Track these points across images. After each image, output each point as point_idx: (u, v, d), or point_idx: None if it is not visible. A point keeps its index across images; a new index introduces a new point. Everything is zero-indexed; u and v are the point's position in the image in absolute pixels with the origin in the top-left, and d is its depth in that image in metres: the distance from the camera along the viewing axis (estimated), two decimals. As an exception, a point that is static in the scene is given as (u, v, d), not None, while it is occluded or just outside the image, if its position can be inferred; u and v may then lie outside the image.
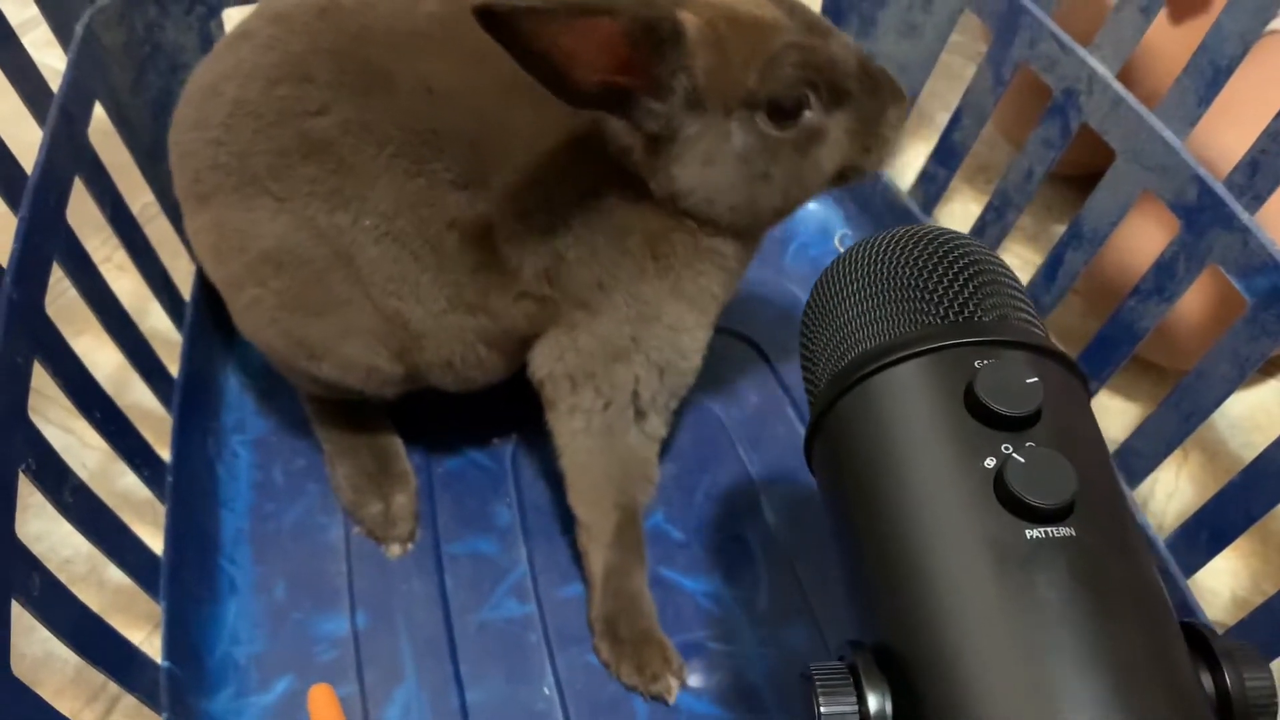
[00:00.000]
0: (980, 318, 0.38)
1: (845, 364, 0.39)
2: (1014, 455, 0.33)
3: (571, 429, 0.62)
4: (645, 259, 0.57)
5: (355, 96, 0.56)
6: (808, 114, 0.52)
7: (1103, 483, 0.34)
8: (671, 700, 0.62)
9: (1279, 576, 0.71)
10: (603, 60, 0.48)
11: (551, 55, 0.46)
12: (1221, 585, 0.71)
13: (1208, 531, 0.61)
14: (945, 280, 0.39)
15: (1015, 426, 0.34)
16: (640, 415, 0.62)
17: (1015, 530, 0.32)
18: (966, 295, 0.39)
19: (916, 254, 0.40)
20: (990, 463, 0.33)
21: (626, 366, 0.60)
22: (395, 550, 0.68)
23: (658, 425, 0.63)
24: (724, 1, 0.53)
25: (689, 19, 0.51)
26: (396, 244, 0.57)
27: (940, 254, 0.40)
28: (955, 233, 0.41)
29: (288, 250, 0.58)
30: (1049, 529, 0.32)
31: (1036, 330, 0.39)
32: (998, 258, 0.41)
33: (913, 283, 0.39)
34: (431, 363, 0.62)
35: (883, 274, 0.40)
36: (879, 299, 0.40)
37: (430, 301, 0.58)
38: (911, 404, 0.36)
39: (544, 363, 0.61)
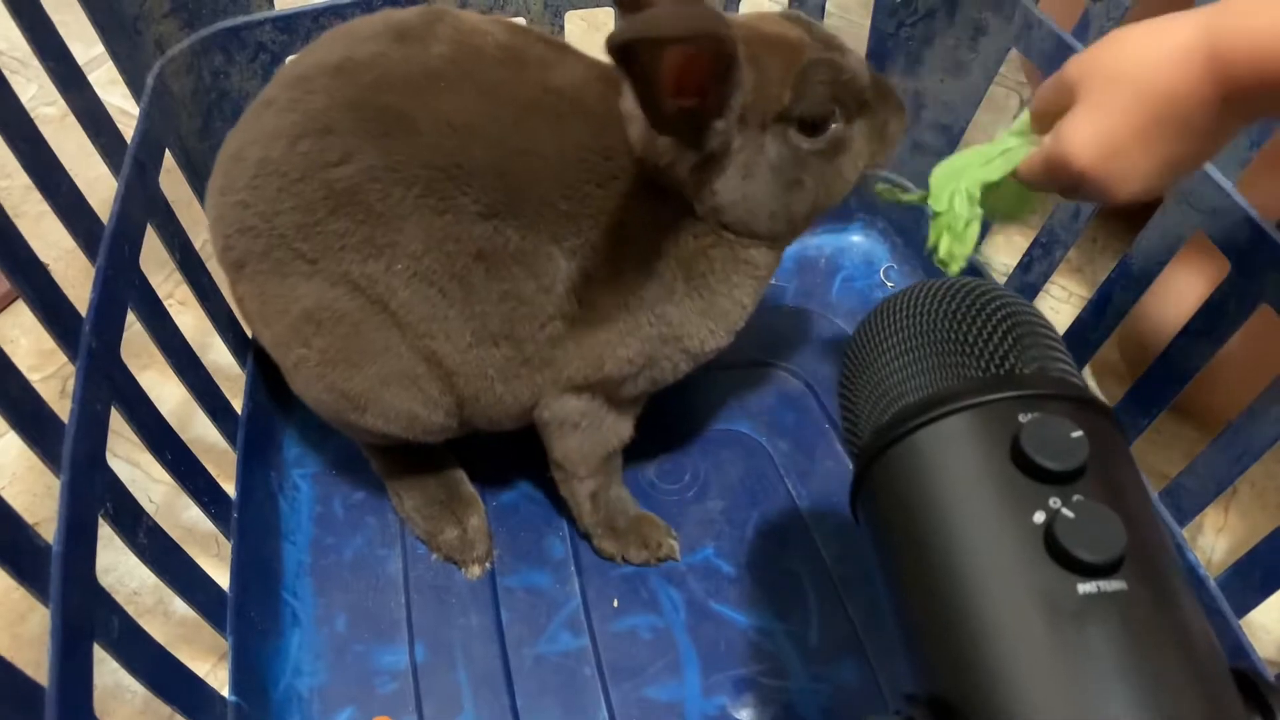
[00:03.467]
0: (1021, 370, 0.39)
1: (888, 418, 0.40)
2: (1063, 510, 0.33)
3: (568, 421, 0.64)
4: (675, 281, 0.59)
5: (377, 140, 0.57)
6: (834, 126, 0.56)
7: (1151, 534, 0.35)
8: (678, 559, 0.71)
9: (1331, 614, 0.71)
10: (690, 84, 0.49)
11: (661, 82, 0.47)
12: (1273, 622, 0.71)
13: (1261, 570, 0.61)
14: (984, 333, 0.40)
15: (1062, 480, 0.35)
16: (623, 406, 0.66)
17: (1067, 584, 0.33)
18: (1006, 347, 0.39)
19: (953, 307, 0.41)
20: (1039, 517, 0.34)
21: (634, 383, 0.63)
22: (475, 571, 0.71)
23: (635, 406, 0.67)
24: (748, 22, 0.55)
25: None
26: (424, 283, 0.58)
27: (977, 306, 0.41)
28: (989, 283, 0.42)
29: (325, 307, 0.59)
30: (1100, 583, 0.32)
31: (1075, 380, 0.40)
32: (1032, 306, 0.42)
33: (951, 335, 0.40)
34: (463, 399, 0.63)
35: (921, 327, 0.41)
36: (919, 352, 0.40)
37: (457, 337, 0.59)
38: (958, 458, 0.37)
39: (556, 379, 0.62)
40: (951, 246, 0.60)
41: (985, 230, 0.83)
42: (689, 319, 0.60)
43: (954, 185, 0.59)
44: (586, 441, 0.65)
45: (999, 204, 0.59)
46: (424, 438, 0.66)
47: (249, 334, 0.78)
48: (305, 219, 0.57)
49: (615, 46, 0.43)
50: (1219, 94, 0.44)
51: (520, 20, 0.78)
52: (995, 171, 0.57)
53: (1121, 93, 0.47)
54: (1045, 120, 0.53)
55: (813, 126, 0.55)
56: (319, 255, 0.58)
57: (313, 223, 0.57)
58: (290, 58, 0.64)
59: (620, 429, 0.67)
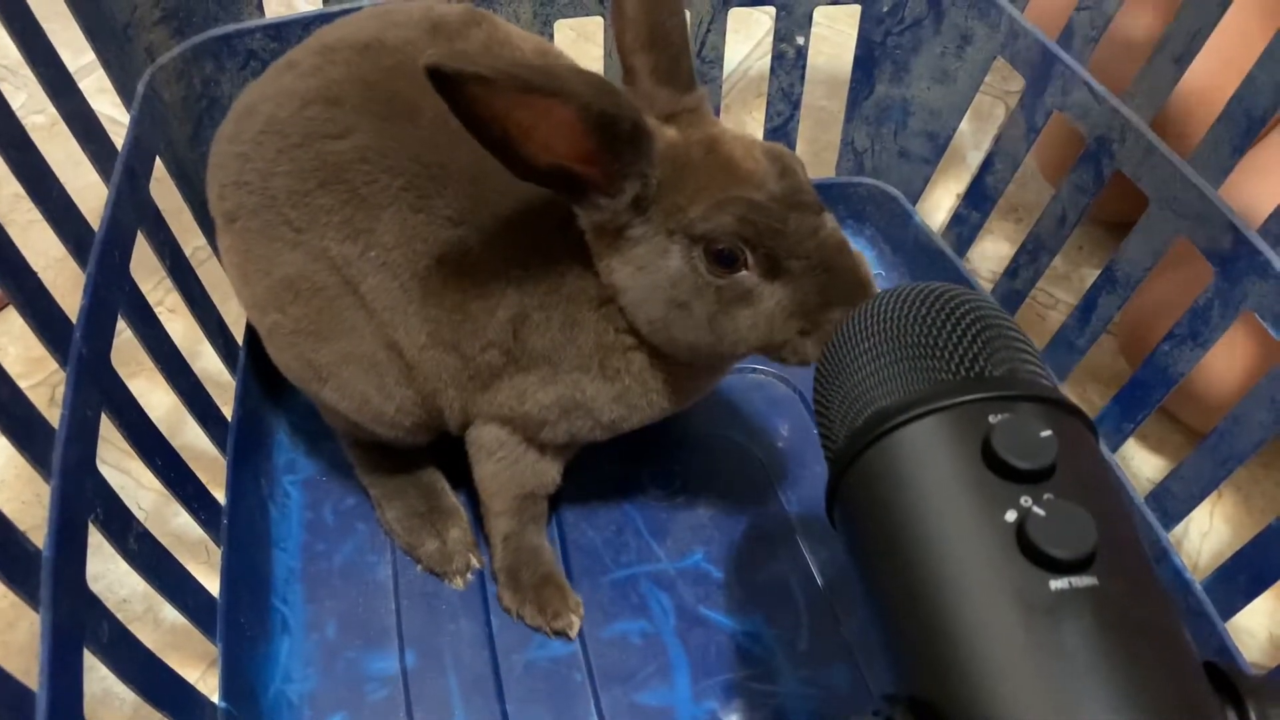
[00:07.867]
0: (991, 372, 0.39)
1: (862, 422, 0.40)
2: (1034, 508, 0.34)
3: (486, 447, 0.65)
4: (591, 362, 0.59)
5: (377, 123, 0.57)
6: (744, 272, 0.52)
7: (1122, 531, 0.36)
8: (573, 635, 0.67)
9: (1316, 617, 0.72)
10: (560, 144, 0.49)
11: (504, 126, 0.47)
12: (1258, 626, 0.71)
13: (1247, 574, 0.61)
14: (954, 336, 0.40)
15: (1033, 479, 0.35)
16: (545, 450, 0.65)
17: (1039, 581, 0.33)
18: (976, 350, 0.40)
19: (924, 312, 0.41)
20: (1011, 516, 0.34)
21: (553, 429, 0.63)
22: (459, 583, 0.70)
23: (559, 454, 0.67)
24: (723, 134, 0.54)
25: (662, 130, 0.52)
26: (390, 275, 0.58)
27: (947, 311, 0.41)
28: (960, 288, 0.43)
29: (304, 278, 0.60)
30: (1072, 579, 0.33)
31: (1045, 382, 0.40)
32: (1001, 310, 0.43)
33: (922, 340, 0.40)
34: (422, 395, 0.63)
35: (892, 332, 0.41)
36: (890, 356, 0.41)
37: (415, 334, 0.60)
38: (930, 460, 0.37)
39: (489, 403, 0.63)
40: None
41: (971, 238, 0.84)
42: (600, 398, 0.60)
43: None
44: (501, 473, 0.65)
45: None
46: (374, 426, 0.66)
47: (239, 341, 0.78)
48: (297, 186, 0.58)
49: (430, 70, 0.45)
50: None
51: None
52: None
53: None
54: None
55: (719, 259, 0.52)
56: (305, 225, 0.58)
57: (303, 191, 0.58)
58: (325, 27, 0.64)
59: (540, 471, 0.66)
